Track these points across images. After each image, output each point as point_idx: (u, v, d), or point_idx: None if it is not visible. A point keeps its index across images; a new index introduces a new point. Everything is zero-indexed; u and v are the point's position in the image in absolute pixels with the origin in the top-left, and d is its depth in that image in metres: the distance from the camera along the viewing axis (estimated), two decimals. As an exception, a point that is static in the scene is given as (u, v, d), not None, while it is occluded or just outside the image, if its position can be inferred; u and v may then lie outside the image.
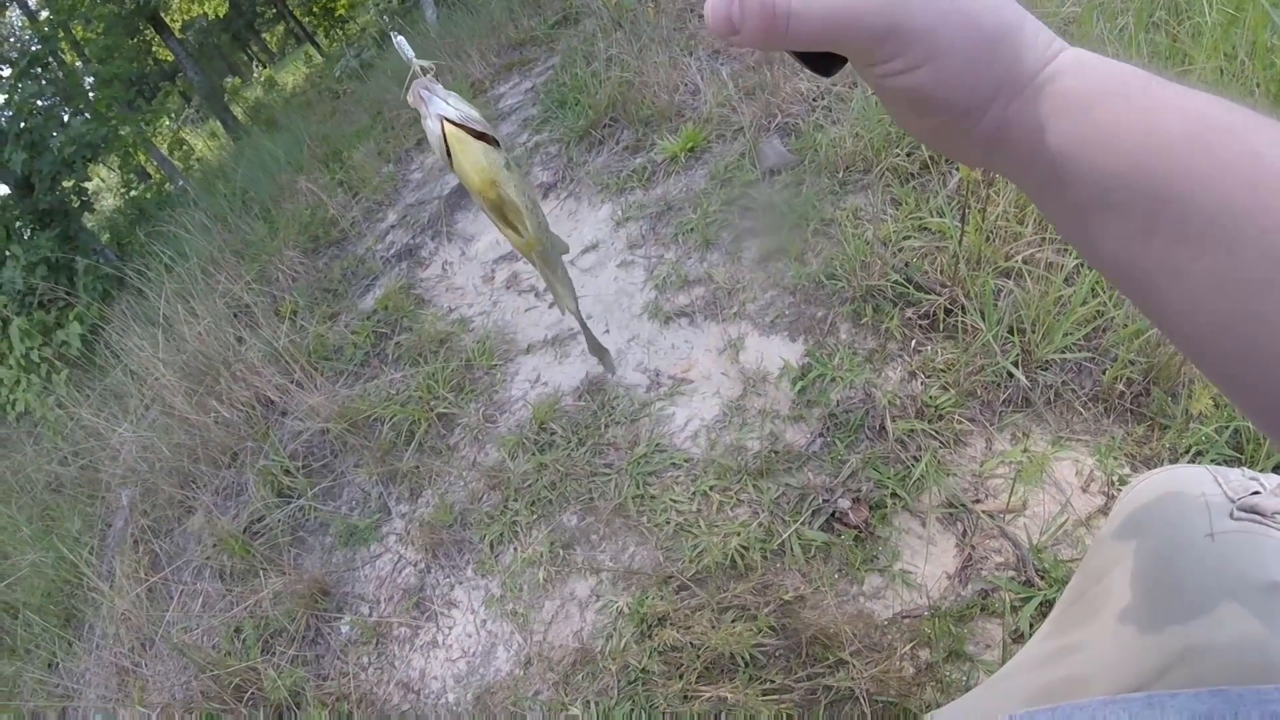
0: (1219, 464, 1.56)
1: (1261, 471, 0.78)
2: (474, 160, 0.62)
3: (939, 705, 1.47)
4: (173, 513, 2.99)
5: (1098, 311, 1.83)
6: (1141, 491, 0.85)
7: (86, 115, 8.21)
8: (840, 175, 2.50)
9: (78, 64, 9.53)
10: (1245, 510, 0.71)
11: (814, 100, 2.91)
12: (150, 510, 3.03)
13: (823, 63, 0.48)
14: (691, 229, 2.70)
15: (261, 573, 2.47)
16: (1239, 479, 0.76)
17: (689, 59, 3.54)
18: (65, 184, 7.55)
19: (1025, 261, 1.95)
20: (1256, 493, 0.73)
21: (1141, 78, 0.41)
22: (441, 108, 0.62)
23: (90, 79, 9.01)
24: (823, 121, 2.76)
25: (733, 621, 1.68)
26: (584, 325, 0.90)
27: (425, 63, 0.64)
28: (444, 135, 0.61)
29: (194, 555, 2.71)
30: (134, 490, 3.18)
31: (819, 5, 0.41)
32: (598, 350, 0.93)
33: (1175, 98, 0.39)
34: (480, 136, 0.62)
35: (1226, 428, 1.59)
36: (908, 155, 2.40)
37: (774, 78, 3.08)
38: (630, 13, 4.20)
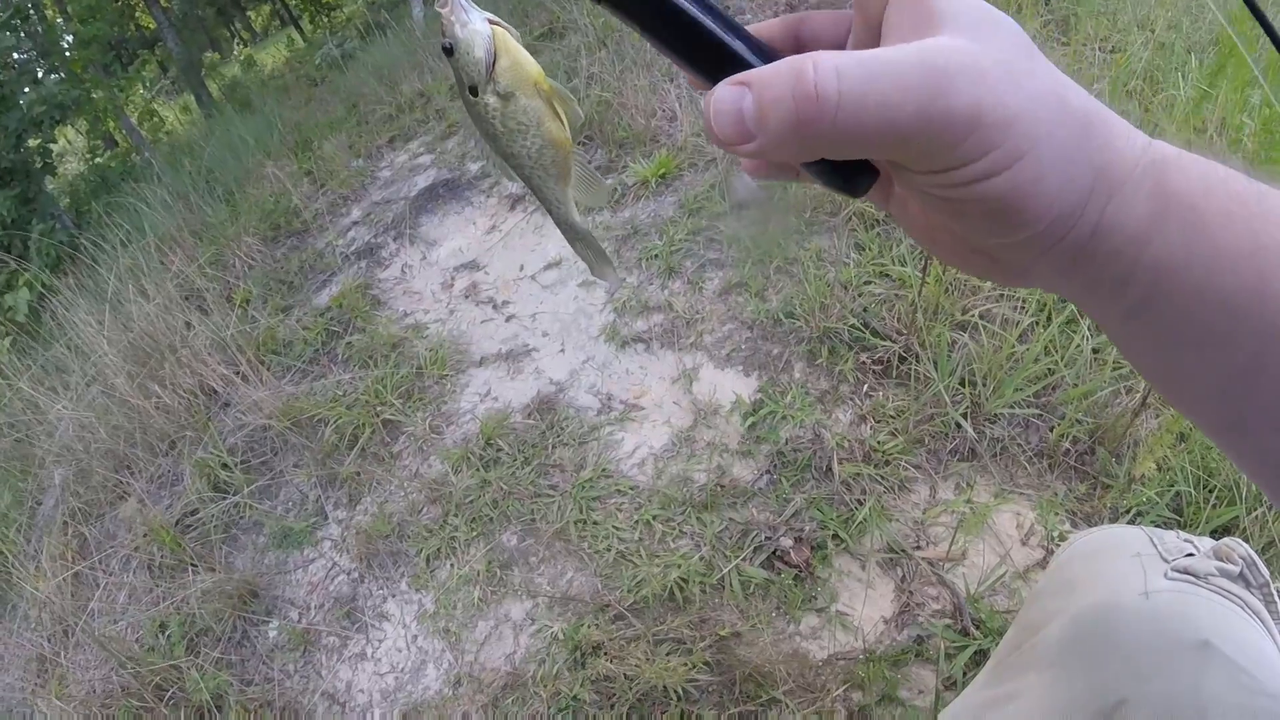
0: (1159, 525, 1.59)
1: (1198, 534, 0.80)
2: (523, 56, 0.59)
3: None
4: (105, 497, 2.90)
5: (1049, 370, 1.87)
6: (1080, 548, 0.87)
7: (61, 75, 8.02)
8: (807, 215, 2.53)
9: (59, 20, 9.26)
10: (1179, 571, 0.73)
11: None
12: (82, 492, 2.92)
13: (852, 175, 0.39)
14: (656, 255, 2.70)
15: (191, 568, 2.40)
16: (1174, 541, 0.78)
17: (669, 85, 3.56)
18: (31, 143, 7.34)
19: (981, 316, 1.99)
20: (1190, 554, 0.75)
21: (1241, 178, 0.33)
22: (479, 13, 0.58)
23: (69, 38, 8.78)
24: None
25: (668, 654, 1.67)
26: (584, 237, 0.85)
27: None
28: (493, 35, 0.58)
29: (123, 543, 2.62)
30: (68, 469, 3.08)
31: (877, 88, 0.31)
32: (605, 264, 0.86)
33: None
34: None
35: (1168, 490, 1.63)
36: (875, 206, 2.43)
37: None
38: (615, 33, 4.21)
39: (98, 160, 9.38)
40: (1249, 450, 0.35)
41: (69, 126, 9.34)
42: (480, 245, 3.41)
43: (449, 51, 0.57)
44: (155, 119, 11.33)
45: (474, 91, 0.57)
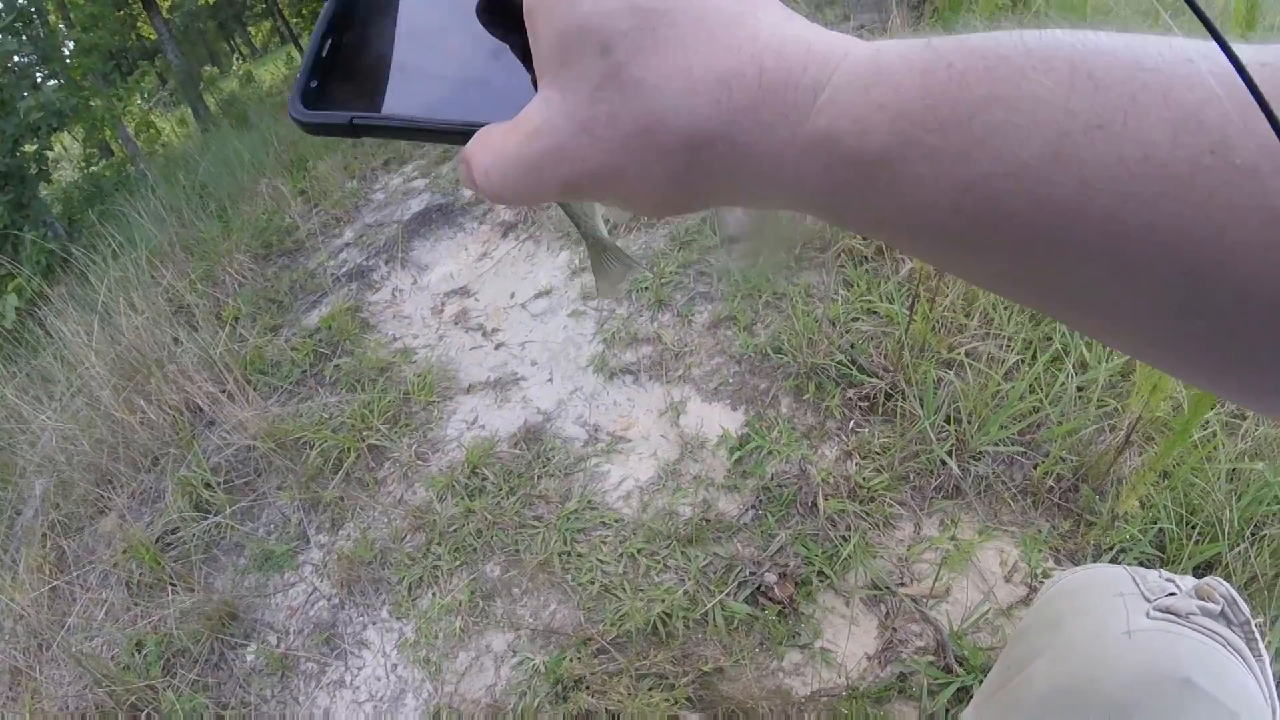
0: (1141, 562, 1.61)
1: (1181, 572, 0.81)
2: None
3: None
4: (85, 510, 2.86)
5: (1033, 408, 1.88)
6: (1063, 586, 0.88)
7: (60, 81, 8.00)
8: (797, 251, 2.55)
9: (61, 26, 9.25)
10: (1161, 610, 0.74)
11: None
12: (63, 504, 2.89)
13: None
14: (646, 287, 2.72)
15: (170, 587, 2.37)
16: (1156, 580, 0.79)
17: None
18: (27, 149, 7.31)
19: (968, 354, 2.00)
20: (1172, 594, 0.76)
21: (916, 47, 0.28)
22: None
23: (70, 45, 8.76)
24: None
25: (650, 690, 1.66)
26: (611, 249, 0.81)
27: None
28: None
29: (102, 559, 2.59)
30: (49, 481, 3.04)
31: (510, 183, 0.34)
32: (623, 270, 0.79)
33: (958, 76, 0.26)
34: None
35: (1151, 527, 1.64)
36: (864, 239, 2.46)
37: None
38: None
39: (93, 169, 9.32)
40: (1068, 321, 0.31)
41: (66, 133, 9.30)
42: (472, 271, 3.42)
43: None
44: (152, 130, 11.29)
45: None
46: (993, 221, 0.26)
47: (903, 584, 1.73)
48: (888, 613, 1.69)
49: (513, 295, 3.12)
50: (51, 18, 9.18)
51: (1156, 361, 0.29)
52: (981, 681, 1.49)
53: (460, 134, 0.38)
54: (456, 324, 3.13)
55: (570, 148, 0.32)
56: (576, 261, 3.08)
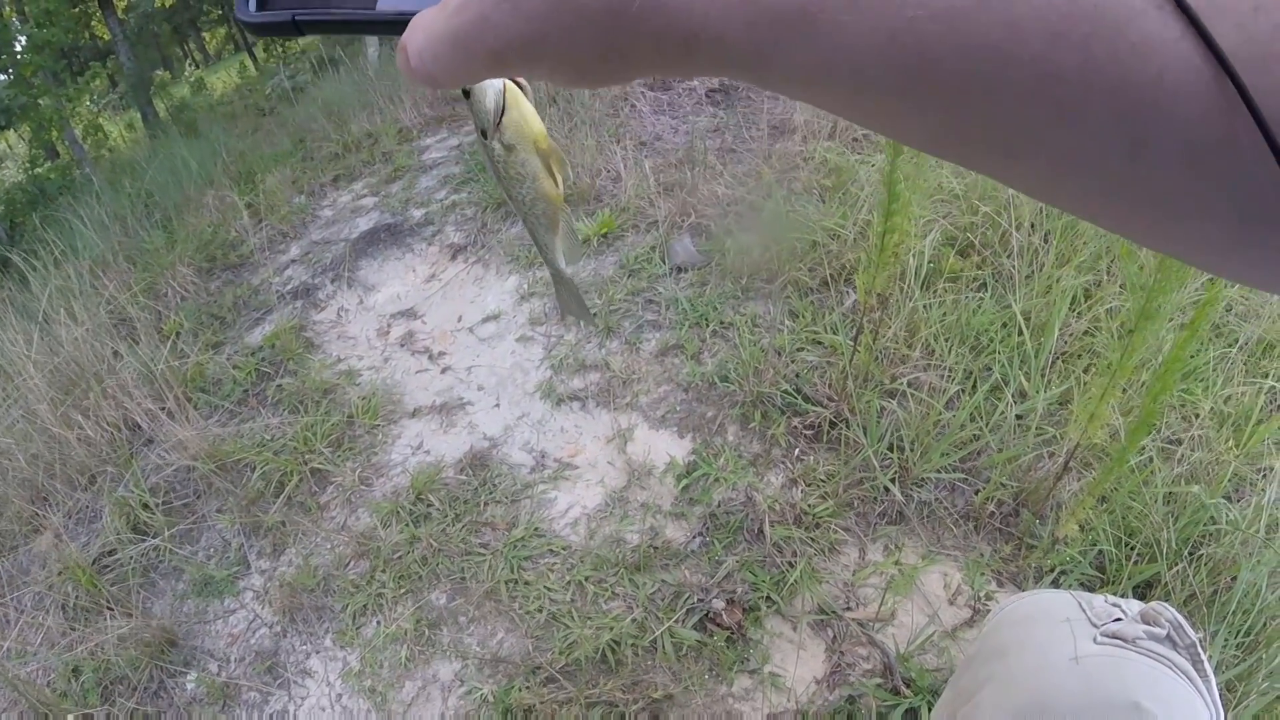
0: (1083, 584, 1.66)
1: (1121, 592, 0.84)
2: (532, 112, 0.61)
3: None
4: (20, 528, 2.75)
5: (974, 435, 1.94)
6: (1009, 614, 0.90)
7: (9, 77, 7.74)
8: (744, 281, 2.59)
9: (14, 20, 8.95)
10: (1108, 636, 0.76)
11: (728, 205, 3.02)
12: (-5, 522, 2.78)
13: None
14: (594, 314, 2.73)
15: (108, 611, 2.29)
16: (1102, 605, 0.81)
17: (616, 146, 3.63)
18: None
19: (910, 384, 2.06)
20: (1118, 619, 0.78)
21: None
22: None
23: (23, 40, 8.48)
24: (733, 227, 2.86)
25: (601, 718, 1.65)
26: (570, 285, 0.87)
27: None
28: (504, 90, 0.60)
29: (37, 579, 2.49)
30: None
31: (441, 61, 0.35)
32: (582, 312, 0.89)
33: None
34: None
35: (1090, 549, 1.69)
36: (810, 271, 2.51)
37: (693, 178, 3.19)
38: (566, 91, 4.28)
39: (37, 171, 9.04)
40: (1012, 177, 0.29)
41: (12, 132, 8.99)
42: (419, 293, 3.40)
43: (466, 94, 0.60)
44: (100, 133, 10.99)
45: (484, 135, 0.60)
46: (922, 70, 0.25)
47: (849, 608, 1.75)
48: (835, 637, 1.71)
49: (460, 319, 3.11)
50: (6, 10, 8.88)
51: (1106, 217, 0.28)
52: (929, 702, 1.53)
53: (398, 24, 0.40)
54: (403, 346, 3.10)
55: (494, 17, 0.33)
56: (525, 286, 3.08)
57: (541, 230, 0.74)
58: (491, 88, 0.61)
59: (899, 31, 0.25)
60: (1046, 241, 2.30)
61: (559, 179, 0.65)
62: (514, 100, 0.61)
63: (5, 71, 7.86)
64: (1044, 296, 2.18)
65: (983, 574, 1.73)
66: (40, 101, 8.14)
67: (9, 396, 3.39)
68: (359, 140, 5.41)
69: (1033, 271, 2.26)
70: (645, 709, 1.66)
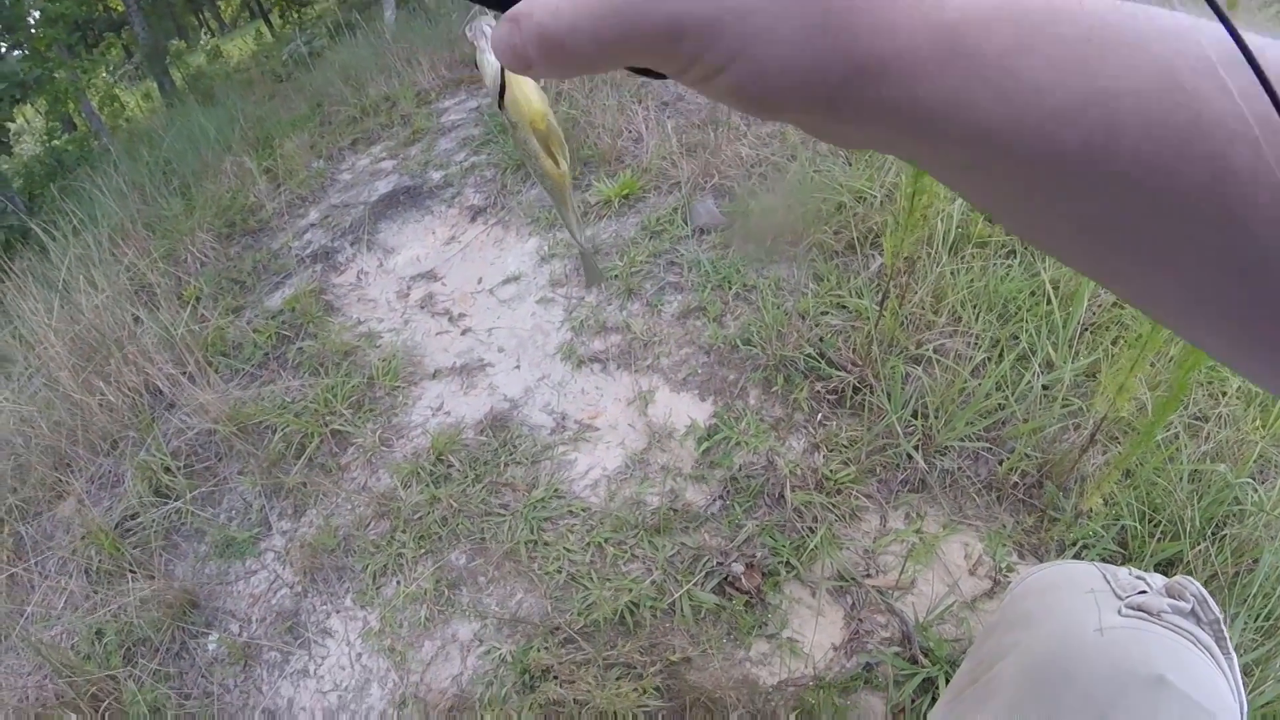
0: (1104, 558, 1.63)
1: (1144, 569, 0.82)
2: (529, 93, 0.62)
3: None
4: (43, 495, 2.78)
5: (999, 405, 1.91)
6: (1034, 583, 0.88)
7: (25, 51, 7.75)
8: (768, 244, 2.55)
9: None
10: (1133, 608, 0.74)
11: (752, 166, 2.98)
12: (20, 489, 2.81)
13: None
14: (616, 275, 2.70)
15: (130, 575, 2.32)
16: (1127, 577, 0.80)
17: (637, 106, 3.58)
18: None
19: (935, 350, 2.02)
20: (1143, 591, 0.76)
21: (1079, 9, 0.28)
22: None
23: (36, 14, 8.48)
24: (757, 188, 2.82)
25: (618, 679, 1.66)
26: (588, 255, 0.87)
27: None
28: (503, 69, 0.60)
29: (61, 545, 2.52)
30: (5, 464, 2.95)
31: (587, 25, 0.31)
32: (595, 276, 0.93)
33: (1123, 38, 0.26)
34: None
35: (1114, 525, 1.66)
36: (835, 233, 2.47)
37: (716, 139, 3.14)
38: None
39: (55, 143, 9.06)
40: (1133, 294, 0.31)
41: (28, 106, 9.02)
42: (439, 255, 3.38)
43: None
44: (116, 104, 11.01)
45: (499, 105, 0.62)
46: (1105, 144, 0.25)
47: (869, 575, 1.74)
48: (854, 604, 1.70)
49: (480, 280, 3.09)
50: None
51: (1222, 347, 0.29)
52: (947, 673, 1.52)
53: None
54: (423, 308, 3.09)
55: None
56: (545, 248, 3.05)
57: (554, 201, 0.72)
58: (490, 65, 0.60)
59: (1093, 100, 0.25)
60: None
61: (559, 160, 0.66)
62: (513, 79, 0.61)
63: (19, 46, 7.83)
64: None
65: (1004, 545, 1.71)
66: (56, 75, 8.14)
67: (30, 365, 3.43)
68: (377, 104, 5.38)
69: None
70: (663, 671, 1.66)
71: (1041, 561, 1.68)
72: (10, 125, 7.78)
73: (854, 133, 0.32)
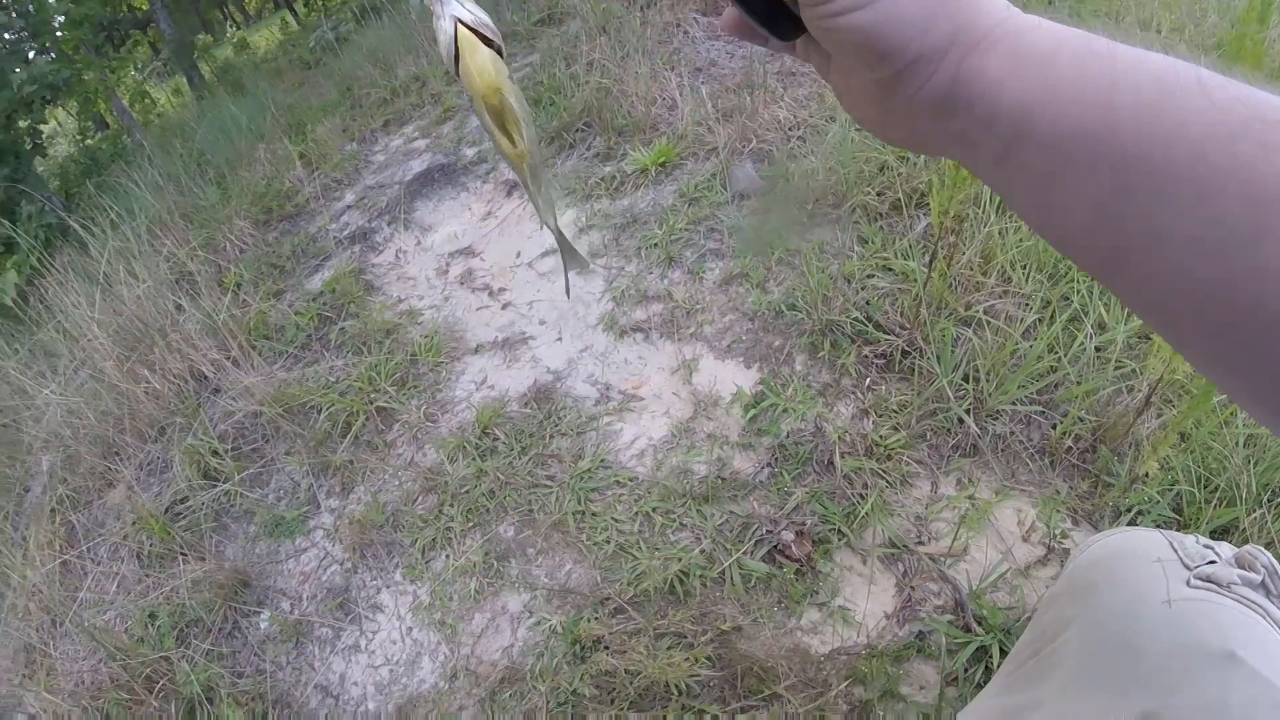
0: (1160, 525, 1.59)
1: (1199, 534, 0.79)
2: (482, 65, 0.61)
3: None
4: (93, 484, 2.84)
5: (1052, 367, 1.85)
6: (1097, 551, 0.85)
7: (52, 55, 7.88)
8: (809, 207, 2.50)
9: (50, 1, 9.12)
10: (1202, 579, 0.71)
11: (790, 129, 2.92)
12: (70, 479, 2.87)
13: (781, 23, 0.46)
14: (655, 244, 2.68)
15: (181, 557, 2.36)
16: (1195, 546, 0.77)
17: (670, 73, 3.53)
18: (21, 124, 7.22)
19: (986, 312, 1.97)
20: (1212, 561, 0.73)
21: (1100, 38, 0.38)
22: (457, 8, 0.60)
23: (60, 18, 8.62)
24: (797, 151, 2.76)
25: (669, 649, 1.65)
26: (561, 238, 0.84)
27: None
28: (455, 36, 0.60)
29: (112, 531, 2.57)
30: (55, 456, 3.02)
31: None
32: (575, 261, 0.90)
33: (1136, 54, 0.37)
34: (488, 43, 0.61)
35: (1169, 490, 1.62)
36: (878, 194, 2.41)
37: (753, 103, 3.08)
38: (616, 19, 4.16)
39: (88, 142, 9.23)
40: (1130, 279, 0.38)
41: (60, 108, 9.19)
42: (476, 231, 3.38)
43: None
44: (147, 100, 11.17)
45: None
46: (1113, 127, 0.35)
47: (920, 543, 1.71)
48: (905, 571, 1.67)
49: (519, 254, 3.08)
50: None
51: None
52: (1000, 641, 1.49)
53: None
54: (462, 284, 3.09)
55: None
56: (583, 219, 3.03)
57: (519, 180, 0.72)
58: (443, 32, 0.60)
59: (1106, 89, 0.36)
60: None
61: (514, 138, 0.64)
62: (465, 47, 0.60)
63: (45, 49, 7.95)
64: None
65: (1058, 511, 1.67)
66: (85, 75, 8.25)
67: (76, 358, 3.49)
68: (406, 84, 5.37)
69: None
70: (714, 640, 1.65)
71: (1096, 528, 1.64)
72: (43, 128, 7.90)
73: (924, 106, 0.43)
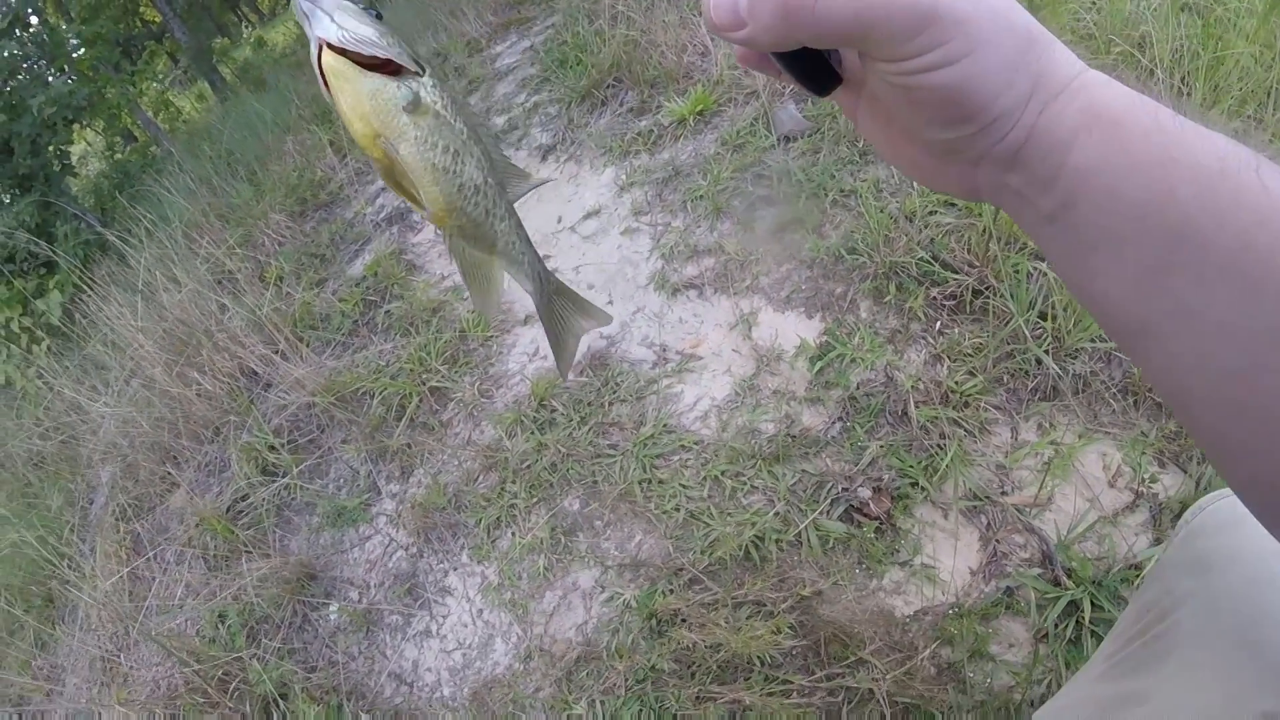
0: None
1: None
2: (354, 102, 0.47)
3: (960, 707, 1.39)
4: (154, 490, 2.88)
5: (1133, 298, 1.73)
6: (1208, 520, 0.76)
7: (71, 77, 7.97)
8: (860, 144, 2.38)
9: (62, 25, 9.21)
10: None
11: (833, 64, 2.78)
12: (131, 487, 2.91)
13: (820, 77, 0.45)
14: (701, 196, 2.57)
15: (245, 555, 2.37)
16: None
17: (698, 19, 3.39)
18: (49, 148, 7.34)
19: (1061, 242, 1.85)
20: None
21: (1167, 109, 0.37)
22: (324, 24, 0.46)
23: (75, 39, 8.70)
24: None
25: (749, 618, 1.59)
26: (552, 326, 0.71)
27: None
28: (320, 61, 0.46)
29: (176, 536, 2.60)
30: (115, 467, 3.07)
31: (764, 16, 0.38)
32: (564, 356, 0.75)
33: (1201, 133, 0.36)
34: (379, 66, 0.47)
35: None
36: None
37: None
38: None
39: (117, 157, 9.38)
40: (1158, 356, 0.38)
41: (87, 128, 9.30)
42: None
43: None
44: (171, 109, 11.32)
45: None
46: (1167, 197, 0.35)
47: (1004, 493, 1.61)
48: (989, 524, 1.58)
49: (560, 219, 3.01)
50: (50, 18, 9.09)
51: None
52: (1091, 594, 1.40)
53: None
54: (505, 255, 3.03)
55: None
56: (623, 177, 2.94)
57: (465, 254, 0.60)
58: (311, 55, 0.46)
59: (1161, 162, 0.36)
60: (1186, 84, 2.01)
61: (417, 201, 0.52)
62: (334, 78, 0.47)
63: (64, 72, 8.01)
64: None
65: (1144, 454, 1.55)
66: (106, 93, 8.32)
67: (125, 369, 3.54)
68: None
69: (1176, 117, 1.98)
70: (795, 607, 1.59)
71: (1184, 471, 1.53)
72: (71, 149, 8.02)
73: (991, 163, 0.42)
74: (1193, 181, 0.34)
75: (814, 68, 0.45)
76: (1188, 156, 0.35)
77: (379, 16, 0.49)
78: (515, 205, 0.60)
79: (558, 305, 0.68)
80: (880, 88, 0.43)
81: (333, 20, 0.46)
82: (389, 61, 0.47)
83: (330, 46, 0.46)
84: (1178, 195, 0.34)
